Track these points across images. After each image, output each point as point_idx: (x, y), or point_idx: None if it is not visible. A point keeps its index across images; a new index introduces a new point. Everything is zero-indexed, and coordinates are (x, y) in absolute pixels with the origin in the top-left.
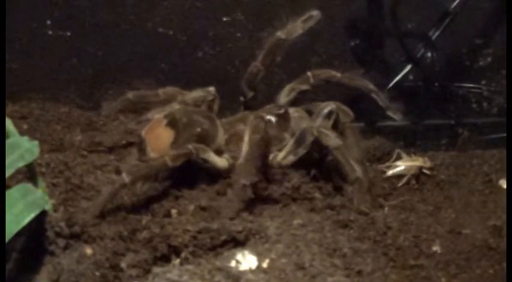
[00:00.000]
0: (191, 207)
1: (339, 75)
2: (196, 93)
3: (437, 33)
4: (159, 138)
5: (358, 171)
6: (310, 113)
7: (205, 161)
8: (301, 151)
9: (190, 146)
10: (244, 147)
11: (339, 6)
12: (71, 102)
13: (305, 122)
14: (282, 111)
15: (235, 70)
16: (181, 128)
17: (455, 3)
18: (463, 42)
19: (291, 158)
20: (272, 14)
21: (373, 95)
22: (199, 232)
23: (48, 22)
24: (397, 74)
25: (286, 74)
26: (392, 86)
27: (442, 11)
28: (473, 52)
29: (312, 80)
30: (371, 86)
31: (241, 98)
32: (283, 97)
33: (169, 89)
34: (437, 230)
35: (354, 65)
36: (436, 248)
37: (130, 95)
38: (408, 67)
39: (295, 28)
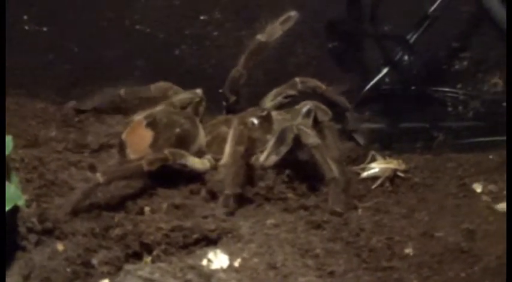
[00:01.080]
0: (164, 205)
1: (324, 87)
2: (183, 95)
3: (415, 36)
4: (139, 139)
5: (335, 171)
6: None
7: (183, 165)
8: (283, 150)
9: (166, 151)
10: (228, 156)
11: (318, 8)
12: (47, 98)
13: (308, 135)
14: (264, 113)
15: (212, 69)
16: (161, 129)
17: (433, 7)
18: (440, 45)
19: (274, 158)
20: (250, 13)
21: (347, 114)
22: (172, 230)
23: (25, 17)
24: (374, 77)
25: (264, 75)
26: (369, 89)
27: (421, 15)
28: (450, 56)
29: (299, 86)
30: (347, 105)
31: (224, 103)
32: (269, 101)
33: (162, 84)
34: (411, 233)
35: (332, 68)
36: (408, 250)
37: (121, 91)
38: (385, 70)
39: (275, 30)
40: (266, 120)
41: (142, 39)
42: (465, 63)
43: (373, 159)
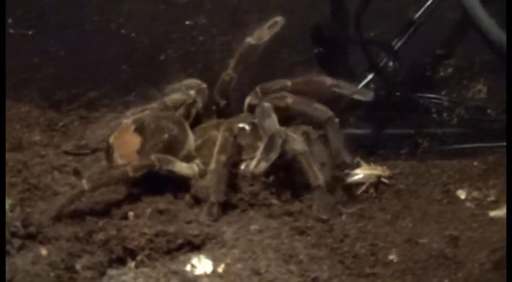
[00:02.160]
0: (148, 210)
1: (289, 83)
2: (176, 96)
3: (400, 42)
4: (127, 144)
5: (321, 178)
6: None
7: (170, 171)
8: (273, 156)
9: (153, 157)
10: (212, 165)
11: (303, 13)
12: (31, 101)
13: (295, 141)
14: (255, 120)
15: (197, 73)
16: (149, 134)
17: (419, 14)
18: (425, 52)
19: (263, 165)
20: (235, 19)
21: (335, 89)
22: (156, 235)
23: (10, 21)
24: (360, 83)
25: (250, 80)
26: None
27: (406, 21)
28: (435, 62)
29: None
30: (329, 81)
31: (214, 107)
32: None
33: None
34: (395, 239)
35: (317, 73)
36: (392, 256)
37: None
38: (370, 76)
39: (263, 34)
40: (257, 126)
41: (128, 43)
42: (450, 69)
43: (358, 165)
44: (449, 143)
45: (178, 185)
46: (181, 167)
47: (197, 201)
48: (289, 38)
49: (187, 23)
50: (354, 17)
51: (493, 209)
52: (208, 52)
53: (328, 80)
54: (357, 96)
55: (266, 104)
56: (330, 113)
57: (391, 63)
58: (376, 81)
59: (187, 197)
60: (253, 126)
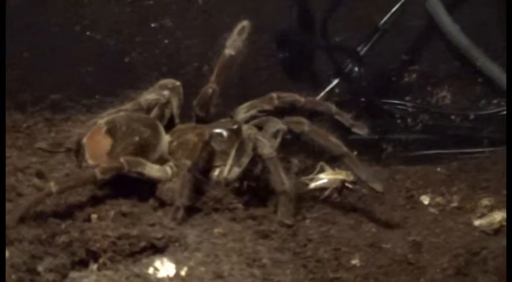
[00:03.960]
0: (112, 213)
1: (303, 100)
2: (150, 96)
3: (365, 48)
4: (98, 146)
5: (287, 183)
6: (260, 128)
7: (140, 174)
8: (245, 160)
9: (122, 160)
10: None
11: (268, 18)
12: None
13: (264, 145)
14: (235, 126)
15: (162, 76)
16: (120, 136)
17: (383, 20)
18: (390, 58)
19: (236, 170)
20: (200, 22)
21: (337, 117)
22: (119, 238)
23: None
24: (325, 88)
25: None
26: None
27: (371, 27)
28: (400, 68)
29: (276, 102)
30: (334, 109)
31: (193, 115)
32: (242, 113)
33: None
34: (358, 244)
35: (282, 78)
36: (355, 261)
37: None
38: (335, 81)
39: (237, 42)
40: (235, 133)
41: (93, 45)
42: (414, 76)
43: (322, 170)
44: (413, 149)
45: (143, 187)
46: (152, 170)
47: (161, 204)
48: (255, 43)
49: (152, 25)
50: (320, 23)
51: (477, 217)
52: (173, 55)
53: (334, 108)
54: (354, 129)
55: (282, 127)
56: (344, 149)
57: (356, 69)
58: (341, 87)
59: (152, 200)
60: (231, 132)
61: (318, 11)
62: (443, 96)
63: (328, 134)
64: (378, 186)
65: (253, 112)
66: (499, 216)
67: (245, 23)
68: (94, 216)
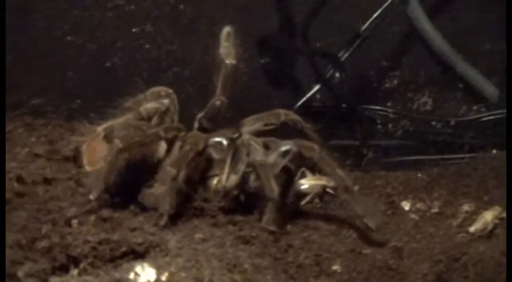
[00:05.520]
0: (92, 218)
1: (304, 124)
2: (150, 105)
3: (346, 54)
4: (95, 151)
5: (276, 191)
6: (267, 147)
7: None
8: (241, 167)
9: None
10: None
11: (249, 24)
12: None
13: (257, 151)
14: (235, 135)
15: (143, 82)
16: None
17: (365, 26)
18: (371, 64)
19: (234, 178)
20: (181, 27)
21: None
22: (99, 243)
23: None
24: (306, 94)
25: (194, 89)
26: (299, 105)
27: (352, 33)
28: (381, 74)
29: (282, 118)
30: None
31: (196, 125)
32: (248, 125)
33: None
34: (339, 249)
35: (263, 84)
36: (336, 267)
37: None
38: (316, 87)
39: (231, 49)
40: (235, 142)
41: (74, 50)
42: (395, 81)
43: (303, 176)
44: (394, 155)
45: (124, 192)
46: None
47: (142, 209)
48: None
49: (133, 30)
50: (301, 28)
51: (469, 225)
52: (154, 60)
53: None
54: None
55: (294, 148)
56: (348, 182)
57: (337, 75)
58: (322, 93)
59: (132, 205)
60: (231, 142)
61: (299, 16)
62: (424, 102)
63: (336, 165)
64: (372, 223)
65: (259, 124)
66: (489, 215)
67: (228, 28)
68: (75, 221)
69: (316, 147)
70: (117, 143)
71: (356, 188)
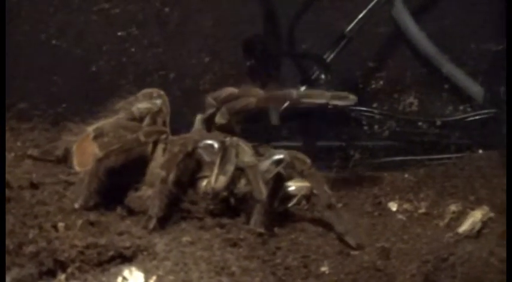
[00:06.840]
0: (79, 222)
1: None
2: (142, 105)
3: (332, 55)
4: (85, 152)
5: (264, 194)
6: (259, 154)
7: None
8: (230, 168)
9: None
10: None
11: (235, 26)
12: None
13: (246, 153)
14: (226, 139)
15: (129, 85)
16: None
17: (350, 27)
18: (357, 65)
19: (223, 179)
20: (167, 30)
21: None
22: (87, 247)
23: None
24: None
25: (180, 91)
26: (286, 107)
27: (338, 34)
28: (366, 75)
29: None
30: (295, 94)
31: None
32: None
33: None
34: (326, 251)
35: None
36: (324, 268)
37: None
38: (303, 88)
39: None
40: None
41: (59, 54)
42: (381, 82)
43: (290, 178)
44: (380, 156)
45: (110, 195)
46: None
47: (129, 212)
48: (221, 51)
49: (119, 34)
50: (286, 30)
51: (457, 225)
52: (139, 63)
53: (294, 93)
54: (335, 102)
55: (286, 158)
56: (333, 200)
57: (323, 76)
58: None
59: (119, 209)
60: (222, 144)
61: (284, 18)
62: (410, 103)
63: (324, 182)
64: (352, 242)
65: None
66: (477, 215)
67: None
68: (61, 225)
69: (308, 161)
70: (96, 152)
71: (339, 205)
